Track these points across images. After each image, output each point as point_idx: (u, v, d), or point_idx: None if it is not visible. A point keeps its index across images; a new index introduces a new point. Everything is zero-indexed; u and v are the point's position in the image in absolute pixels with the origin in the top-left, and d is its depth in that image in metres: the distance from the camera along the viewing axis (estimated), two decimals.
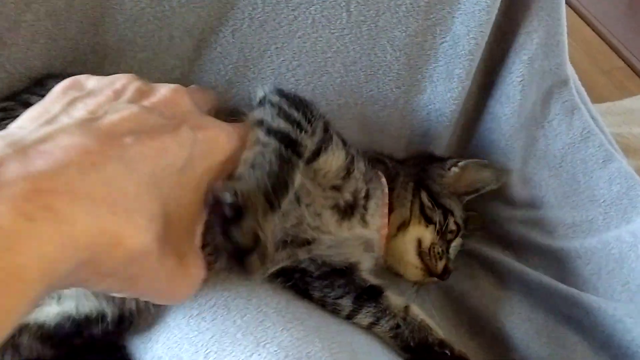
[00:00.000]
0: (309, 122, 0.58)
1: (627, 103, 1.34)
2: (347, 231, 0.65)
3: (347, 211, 0.65)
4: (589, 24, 1.98)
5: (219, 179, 0.48)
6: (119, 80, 0.47)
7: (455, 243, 0.79)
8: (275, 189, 0.50)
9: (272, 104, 0.58)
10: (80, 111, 0.41)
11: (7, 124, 0.41)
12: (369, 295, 0.66)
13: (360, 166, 0.67)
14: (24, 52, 0.65)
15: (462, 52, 0.78)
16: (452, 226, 0.76)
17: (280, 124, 0.55)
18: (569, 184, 0.86)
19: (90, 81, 0.47)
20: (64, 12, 0.65)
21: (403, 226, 0.73)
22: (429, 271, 0.73)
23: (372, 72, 0.78)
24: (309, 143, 0.57)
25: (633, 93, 1.60)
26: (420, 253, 0.73)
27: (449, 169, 0.79)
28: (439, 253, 0.72)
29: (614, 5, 2.11)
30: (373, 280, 0.68)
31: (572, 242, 0.81)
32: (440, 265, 0.73)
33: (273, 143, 0.53)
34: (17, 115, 0.42)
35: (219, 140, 0.48)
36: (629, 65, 1.87)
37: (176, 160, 0.42)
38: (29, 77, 0.66)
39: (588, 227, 0.81)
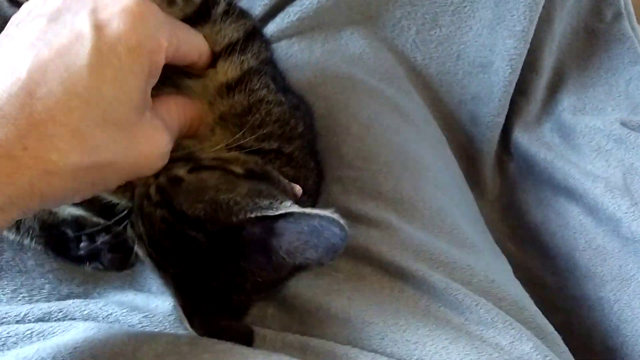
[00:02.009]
0: None
1: None
2: None
3: None
4: None
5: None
6: None
7: None
8: None
9: None
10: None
11: None
12: None
13: None
14: None
15: None
16: None
17: None
18: (591, 75, 0.98)
19: (20, 11, 0.48)
20: None
21: None
22: None
23: None
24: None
25: None
26: None
27: None
28: None
29: None
30: None
31: (577, 118, 0.93)
32: None
33: None
34: None
35: (129, 11, 0.44)
36: None
37: (80, 55, 0.42)
38: None
39: (596, 112, 0.94)
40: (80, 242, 0.55)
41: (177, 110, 0.52)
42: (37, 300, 0.59)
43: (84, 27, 0.43)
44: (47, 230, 0.52)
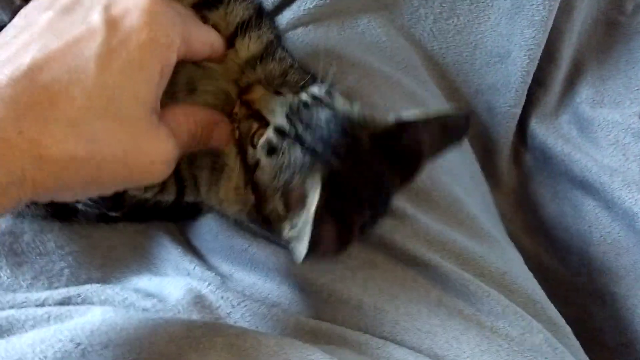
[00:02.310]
0: None
1: None
2: None
3: None
4: None
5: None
6: None
7: None
8: None
9: None
10: (2, 39, 0.44)
11: None
12: None
13: None
14: None
15: None
16: None
17: None
18: (610, 68, 0.96)
19: (28, 6, 0.48)
20: None
21: None
22: None
23: None
24: None
25: None
26: None
27: None
28: None
29: None
30: None
31: (595, 110, 0.92)
32: None
33: None
34: None
35: (142, 8, 0.45)
36: None
37: (90, 47, 0.42)
38: None
39: (614, 105, 0.93)
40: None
41: (186, 119, 0.51)
42: (56, 287, 0.59)
43: (97, 21, 0.43)
44: None
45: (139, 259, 0.68)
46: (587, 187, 0.89)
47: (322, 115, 0.53)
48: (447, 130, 0.57)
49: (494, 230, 0.80)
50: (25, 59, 0.41)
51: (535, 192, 0.96)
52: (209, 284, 0.63)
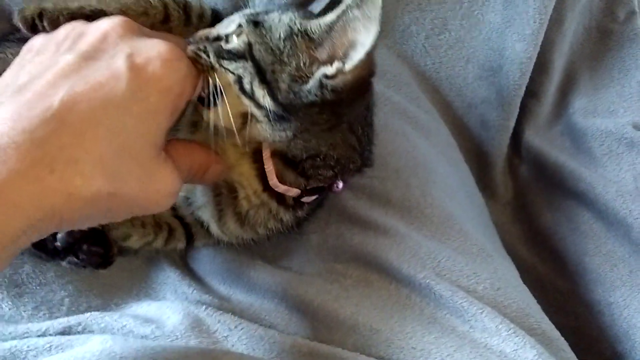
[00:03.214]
0: None
1: None
2: None
3: None
4: None
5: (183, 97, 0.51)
6: (62, 30, 0.51)
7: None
8: None
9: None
10: (23, 77, 0.46)
11: None
12: None
13: None
14: None
15: None
16: None
17: None
18: (603, 77, 0.97)
19: (37, 40, 0.51)
20: None
21: None
22: None
23: None
24: None
25: None
26: None
27: None
28: None
29: None
30: None
31: (588, 120, 0.93)
32: None
33: None
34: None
35: (164, 58, 0.48)
36: None
37: (115, 92, 0.45)
38: None
39: (607, 115, 0.94)
40: (57, 234, 0.56)
41: (186, 153, 0.55)
42: (57, 317, 0.61)
43: (122, 68, 0.46)
44: None
45: (138, 283, 0.69)
46: (581, 197, 0.90)
47: None
48: None
49: (489, 244, 0.81)
50: (54, 101, 0.43)
51: (531, 203, 0.97)
52: (206, 307, 0.65)
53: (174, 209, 0.71)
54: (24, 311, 0.61)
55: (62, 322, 0.59)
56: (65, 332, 0.58)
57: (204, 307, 0.65)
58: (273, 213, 0.66)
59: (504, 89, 0.93)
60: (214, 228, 0.68)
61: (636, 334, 0.81)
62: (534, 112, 0.98)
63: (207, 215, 0.68)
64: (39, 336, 0.58)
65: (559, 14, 0.96)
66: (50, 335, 0.58)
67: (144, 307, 0.65)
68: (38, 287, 0.63)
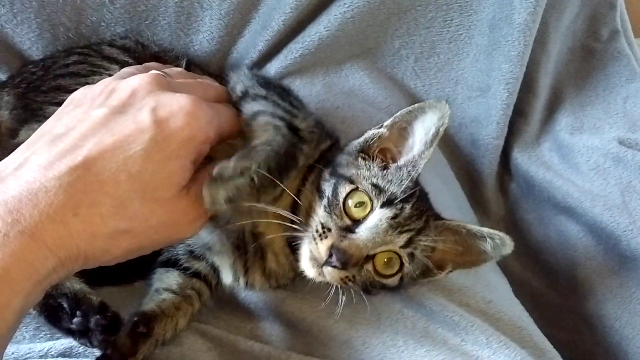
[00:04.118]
0: (296, 108, 0.68)
1: None
2: None
3: None
4: None
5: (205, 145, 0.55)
6: (98, 85, 0.57)
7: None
8: (282, 166, 0.57)
9: (259, 96, 0.67)
10: (60, 128, 0.52)
11: None
12: None
13: None
14: None
15: None
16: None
17: (280, 113, 0.63)
18: (588, 94, 1.00)
19: (77, 94, 0.58)
20: None
21: None
22: None
23: None
24: (304, 127, 0.64)
25: None
26: None
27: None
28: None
29: None
30: None
31: (575, 137, 0.96)
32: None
33: (283, 127, 0.60)
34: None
35: (185, 111, 0.53)
36: None
37: (138, 142, 0.50)
38: None
39: (594, 131, 0.97)
40: (74, 317, 0.57)
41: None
42: (58, 337, 0.62)
43: (146, 121, 0.51)
44: (45, 297, 0.53)
45: (136, 303, 0.71)
46: (570, 212, 0.92)
47: None
48: None
49: None
50: (83, 152, 0.49)
51: (522, 219, 0.99)
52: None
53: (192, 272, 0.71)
54: (26, 331, 0.63)
55: (64, 342, 0.60)
56: (66, 353, 0.60)
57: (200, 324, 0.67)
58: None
59: (493, 108, 0.96)
60: (229, 278, 0.70)
61: (628, 345, 0.82)
62: (521, 130, 1.01)
63: (225, 265, 0.70)
64: (40, 357, 0.59)
65: (543, 36, 0.99)
66: (52, 356, 0.59)
67: None
68: None
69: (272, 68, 0.90)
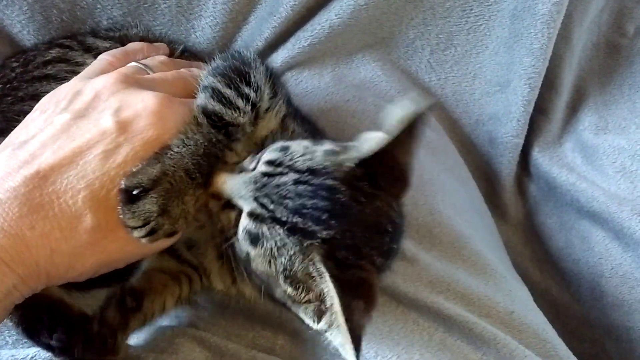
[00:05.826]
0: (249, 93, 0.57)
1: None
2: None
3: None
4: None
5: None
6: (63, 88, 0.54)
7: None
8: (198, 166, 0.51)
9: (206, 87, 0.56)
10: (24, 135, 0.50)
11: None
12: None
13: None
14: None
15: None
16: None
17: (215, 107, 0.54)
18: (613, 92, 0.95)
19: (44, 99, 0.54)
20: None
21: None
22: None
23: None
24: (242, 121, 0.55)
25: None
26: None
27: None
28: None
29: None
30: None
31: (599, 137, 0.90)
32: None
33: (205, 125, 0.52)
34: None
35: (150, 110, 0.50)
36: None
37: (99, 146, 0.47)
38: None
39: (619, 131, 0.91)
40: (54, 332, 0.52)
41: None
42: None
43: (108, 123, 0.48)
44: (22, 309, 0.50)
45: None
46: (594, 217, 0.86)
47: (284, 182, 0.49)
48: (413, 131, 0.51)
49: (501, 265, 0.78)
50: (40, 161, 0.46)
51: (542, 224, 0.94)
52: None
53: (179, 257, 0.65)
54: (9, 336, 0.59)
55: None
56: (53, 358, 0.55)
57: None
58: None
59: (513, 104, 0.90)
60: (219, 285, 0.64)
61: None
62: (542, 128, 0.95)
63: (214, 272, 0.63)
64: None
65: (567, 30, 0.93)
66: None
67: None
68: None
69: (279, 58, 0.84)
